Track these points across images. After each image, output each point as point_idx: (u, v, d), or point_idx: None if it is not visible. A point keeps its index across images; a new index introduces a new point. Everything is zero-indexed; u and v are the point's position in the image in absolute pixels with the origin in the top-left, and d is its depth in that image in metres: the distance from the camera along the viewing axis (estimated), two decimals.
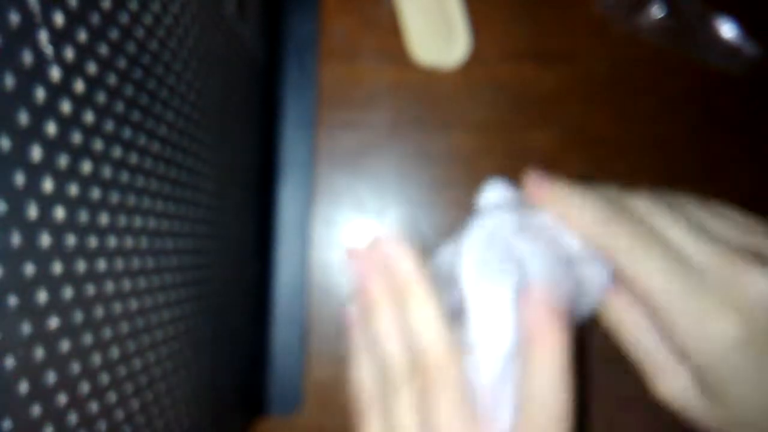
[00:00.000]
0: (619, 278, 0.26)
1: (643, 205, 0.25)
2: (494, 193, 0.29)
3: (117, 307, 0.20)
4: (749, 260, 0.23)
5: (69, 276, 0.17)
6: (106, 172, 0.19)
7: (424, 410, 0.24)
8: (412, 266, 0.27)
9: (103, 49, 0.19)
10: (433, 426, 0.23)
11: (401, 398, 0.24)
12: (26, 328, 0.15)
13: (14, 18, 0.14)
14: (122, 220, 0.21)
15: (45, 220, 0.16)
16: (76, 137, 0.17)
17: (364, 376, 0.26)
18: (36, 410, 0.16)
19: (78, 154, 0.17)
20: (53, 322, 0.17)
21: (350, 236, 0.27)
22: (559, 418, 0.23)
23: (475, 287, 0.25)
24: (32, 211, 0.15)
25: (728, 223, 0.25)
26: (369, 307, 0.26)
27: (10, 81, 0.14)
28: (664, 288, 0.23)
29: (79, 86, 0.17)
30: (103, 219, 0.19)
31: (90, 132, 0.18)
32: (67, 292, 0.17)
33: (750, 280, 0.23)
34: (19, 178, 0.15)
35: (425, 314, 0.25)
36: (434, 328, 0.25)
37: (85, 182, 0.18)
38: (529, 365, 0.24)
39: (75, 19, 0.17)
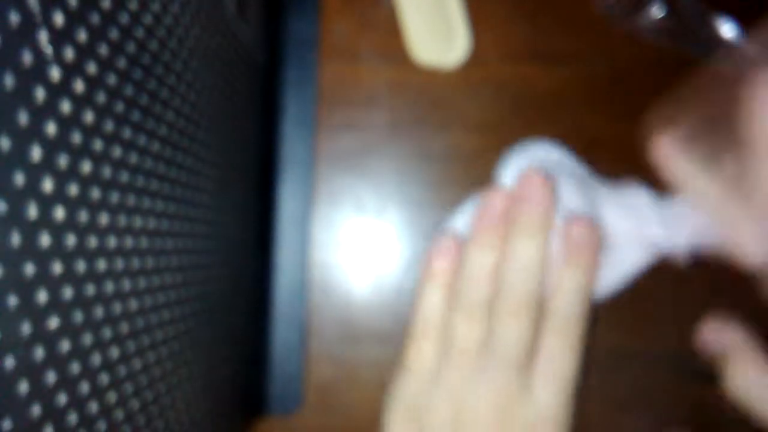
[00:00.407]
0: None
1: None
2: (539, 146, 0.31)
3: (117, 307, 0.20)
4: None
5: (69, 276, 0.17)
6: (106, 172, 0.19)
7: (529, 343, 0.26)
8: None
9: (103, 49, 0.19)
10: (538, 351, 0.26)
11: (473, 326, 0.26)
12: (26, 328, 0.15)
13: (14, 18, 0.14)
14: (122, 220, 0.21)
15: (45, 220, 0.16)
16: (76, 137, 0.17)
17: (432, 303, 0.27)
18: (36, 410, 0.16)
19: (78, 154, 0.17)
20: (53, 322, 0.17)
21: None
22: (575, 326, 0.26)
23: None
24: (32, 211, 0.15)
25: None
26: (477, 240, 0.28)
27: (10, 81, 0.14)
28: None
29: (79, 86, 0.17)
30: (103, 219, 0.19)
31: (90, 132, 0.18)
32: (67, 292, 0.17)
33: None
34: (19, 178, 0.15)
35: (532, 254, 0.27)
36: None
37: (85, 182, 0.18)
38: (561, 278, 0.26)
39: (75, 19, 0.17)
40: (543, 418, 0.25)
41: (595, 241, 0.27)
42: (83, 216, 0.18)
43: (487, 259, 0.27)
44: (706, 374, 0.40)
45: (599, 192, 0.30)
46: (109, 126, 0.19)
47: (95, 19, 0.18)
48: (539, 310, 0.26)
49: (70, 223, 0.17)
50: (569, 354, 0.26)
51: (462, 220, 0.31)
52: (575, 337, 0.26)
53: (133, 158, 0.21)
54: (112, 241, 0.20)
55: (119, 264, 0.20)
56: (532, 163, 0.30)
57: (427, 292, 0.28)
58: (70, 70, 0.17)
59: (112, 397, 0.20)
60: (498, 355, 0.25)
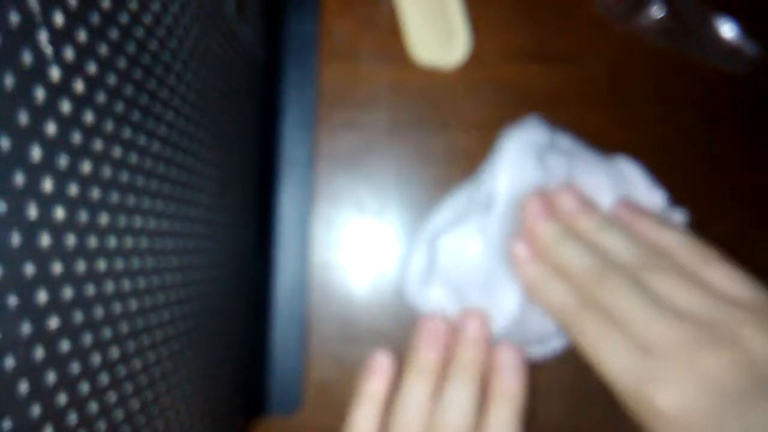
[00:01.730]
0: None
1: (613, 284, 0.26)
2: (530, 124, 0.32)
3: (117, 307, 0.20)
4: (704, 341, 0.24)
5: (69, 276, 0.17)
6: (106, 172, 0.19)
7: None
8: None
9: (103, 49, 0.19)
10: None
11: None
12: (26, 328, 0.15)
13: (14, 18, 0.14)
14: (122, 220, 0.21)
15: (45, 220, 0.16)
16: (76, 137, 0.17)
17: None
18: (36, 410, 0.16)
19: (78, 154, 0.17)
20: (53, 322, 0.17)
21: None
22: None
23: (508, 180, 0.30)
24: (32, 211, 0.15)
25: (699, 291, 0.26)
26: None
27: (10, 81, 0.14)
28: (620, 371, 0.25)
29: (79, 86, 0.17)
30: (103, 219, 0.19)
31: (90, 132, 0.18)
32: (67, 292, 0.17)
33: (706, 362, 0.23)
34: (19, 178, 0.15)
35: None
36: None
37: (85, 182, 0.18)
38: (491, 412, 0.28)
39: (75, 19, 0.17)
40: None
41: (521, 366, 0.29)
42: (83, 216, 0.18)
43: (422, 389, 0.28)
44: None
45: (591, 163, 0.31)
46: (109, 126, 0.19)
47: (95, 19, 0.18)
48: None
49: (70, 223, 0.17)
50: None
51: (441, 219, 0.32)
52: None
53: (133, 158, 0.21)
54: (112, 241, 0.20)
55: (119, 264, 0.20)
56: (525, 150, 0.30)
57: (360, 411, 0.29)
58: (70, 70, 0.17)
59: (112, 397, 0.20)
60: None
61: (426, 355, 0.29)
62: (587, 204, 0.30)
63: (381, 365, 0.30)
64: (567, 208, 0.30)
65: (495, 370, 0.29)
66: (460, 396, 0.27)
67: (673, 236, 0.28)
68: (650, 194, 0.32)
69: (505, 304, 0.30)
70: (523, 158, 0.30)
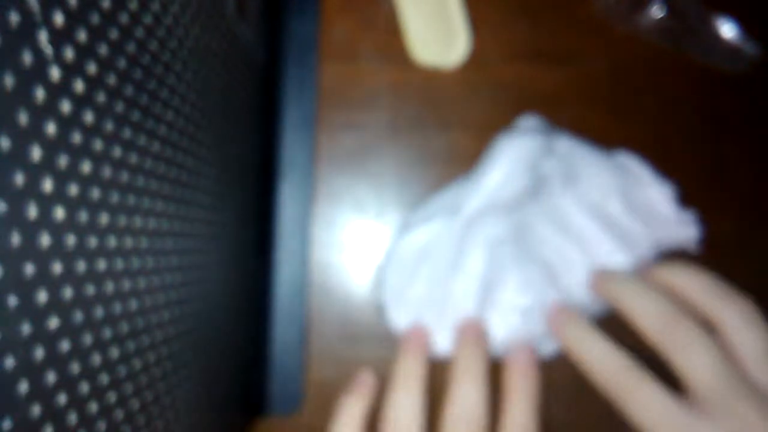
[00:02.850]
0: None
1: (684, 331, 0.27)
2: (529, 122, 0.32)
3: (117, 307, 0.20)
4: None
5: (69, 276, 0.17)
6: (106, 172, 0.19)
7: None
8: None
9: (103, 49, 0.19)
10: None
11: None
12: (26, 328, 0.15)
13: (14, 18, 0.14)
14: (122, 220, 0.21)
15: (45, 220, 0.16)
16: (76, 137, 0.17)
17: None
18: (36, 410, 0.16)
19: (78, 154, 0.17)
20: (53, 322, 0.17)
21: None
22: None
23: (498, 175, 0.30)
24: (32, 211, 0.15)
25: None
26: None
27: (10, 81, 0.14)
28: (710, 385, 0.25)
29: (79, 86, 0.17)
30: (103, 219, 0.19)
31: (90, 132, 0.18)
32: (67, 292, 0.17)
33: None
34: (19, 178, 0.15)
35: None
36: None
37: (85, 182, 0.18)
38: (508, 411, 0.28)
39: (75, 19, 0.17)
40: None
41: (533, 368, 0.29)
42: (83, 216, 0.18)
43: (409, 402, 0.28)
44: None
45: (593, 163, 0.31)
46: (109, 126, 0.19)
47: (95, 19, 0.18)
48: None
49: (70, 223, 0.17)
50: None
51: (423, 215, 0.32)
52: None
53: (133, 158, 0.21)
54: (112, 241, 0.20)
55: (119, 264, 0.20)
56: (519, 155, 0.30)
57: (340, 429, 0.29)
58: (70, 70, 0.17)
59: (112, 397, 0.20)
60: None
61: (411, 364, 0.29)
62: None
63: (363, 382, 0.30)
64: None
65: (510, 371, 0.29)
66: (469, 393, 0.28)
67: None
68: (656, 188, 0.32)
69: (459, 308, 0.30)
70: (511, 168, 0.30)
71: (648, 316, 0.27)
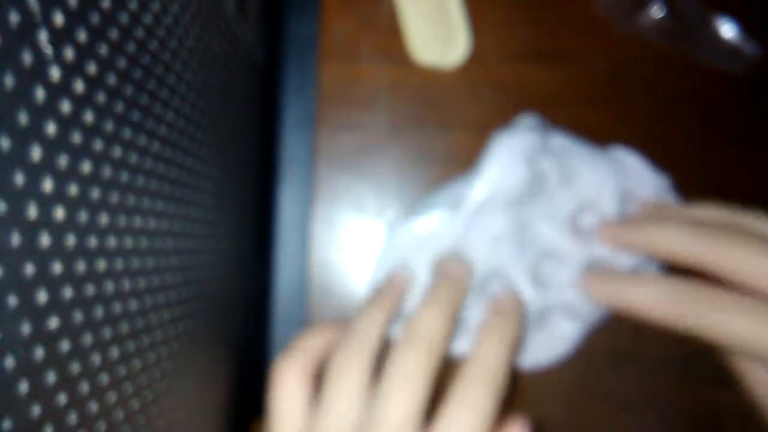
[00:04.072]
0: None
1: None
2: (527, 121, 0.32)
3: (117, 307, 0.20)
4: None
5: (69, 276, 0.17)
6: (106, 172, 0.19)
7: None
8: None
9: (103, 49, 0.19)
10: None
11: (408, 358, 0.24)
12: (26, 328, 0.15)
13: (14, 18, 0.14)
14: (122, 220, 0.21)
15: (45, 220, 0.16)
16: (76, 137, 0.17)
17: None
18: (36, 410, 0.16)
19: (78, 154, 0.17)
20: (53, 322, 0.17)
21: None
22: None
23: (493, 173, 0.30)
24: (32, 211, 0.15)
25: None
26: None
27: (10, 81, 0.14)
28: None
29: (79, 86, 0.17)
30: (103, 219, 0.19)
31: (90, 132, 0.18)
32: (67, 292, 0.17)
33: None
34: (19, 178, 0.15)
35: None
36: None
37: (85, 182, 0.18)
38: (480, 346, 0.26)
39: (75, 19, 0.17)
40: None
41: (517, 314, 0.27)
42: (83, 216, 0.18)
43: (381, 319, 0.26)
44: (713, 377, 0.40)
45: (589, 160, 0.31)
46: (109, 126, 0.19)
47: (95, 19, 0.18)
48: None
49: (70, 223, 0.17)
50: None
51: (423, 208, 0.32)
52: (485, 410, 0.23)
53: (133, 158, 0.21)
54: (112, 241, 0.20)
55: (119, 264, 0.20)
56: (516, 151, 0.30)
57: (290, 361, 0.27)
58: (70, 70, 0.17)
59: (112, 397, 0.20)
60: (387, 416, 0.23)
61: (384, 299, 0.27)
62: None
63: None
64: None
65: (491, 311, 0.27)
66: (431, 316, 0.25)
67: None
68: (652, 180, 0.32)
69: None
70: (509, 163, 0.30)
71: (688, 242, 0.26)
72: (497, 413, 0.24)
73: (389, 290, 0.28)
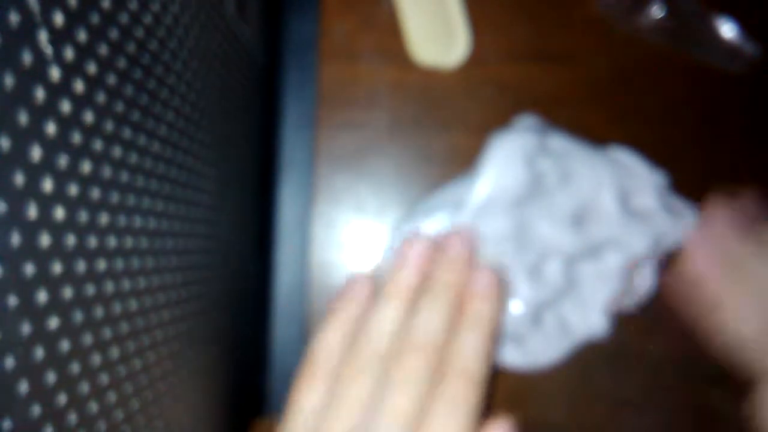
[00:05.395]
0: None
1: None
2: (526, 121, 0.32)
3: (117, 307, 0.20)
4: None
5: (69, 276, 0.17)
6: (106, 172, 0.19)
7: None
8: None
9: (103, 49, 0.19)
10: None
11: (363, 383, 0.24)
12: (26, 328, 0.15)
13: (14, 18, 0.14)
14: (122, 220, 0.21)
15: (45, 220, 0.16)
16: (76, 137, 0.17)
17: (330, 341, 0.27)
18: (36, 410, 0.16)
19: (78, 154, 0.17)
20: (53, 322, 0.17)
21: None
22: None
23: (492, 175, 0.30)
24: (32, 211, 0.15)
25: None
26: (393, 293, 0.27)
27: (10, 81, 0.14)
28: None
29: (79, 86, 0.17)
30: (103, 219, 0.19)
31: (90, 132, 0.18)
32: (67, 292, 0.17)
33: None
34: (19, 178, 0.15)
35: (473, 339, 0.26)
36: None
37: (85, 182, 0.18)
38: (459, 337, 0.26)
39: (75, 19, 0.17)
40: None
41: (496, 293, 0.27)
42: (83, 216, 0.18)
43: (396, 307, 0.26)
44: (712, 377, 0.40)
45: (587, 160, 0.32)
46: (109, 126, 0.19)
47: (95, 19, 0.18)
48: (432, 380, 0.24)
49: (70, 223, 0.17)
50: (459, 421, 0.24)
51: (425, 208, 0.33)
52: (467, 405, 0.24)
53: (133, 158, 0.21)
54: (112, 241, 0.20)
55: (119, 264, 0.20)
56: (511, 155, 0.30)
57: (329, 330, 0.27)
58: (70, 70, 0.17)
59: (112, 397, 0.20)
60: (384, 417, 0.23)
61: (404, 275, 0.27)
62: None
63: (355, 289, 0.28)
64: None
65: (469, 294, 0.27)
66: (432, 316, 0.25)
67: None
68: (651, 178, 0.32)
69: None
70: (509, 163, 0.30)
71: None
72: (481, 404, 0.24)
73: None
